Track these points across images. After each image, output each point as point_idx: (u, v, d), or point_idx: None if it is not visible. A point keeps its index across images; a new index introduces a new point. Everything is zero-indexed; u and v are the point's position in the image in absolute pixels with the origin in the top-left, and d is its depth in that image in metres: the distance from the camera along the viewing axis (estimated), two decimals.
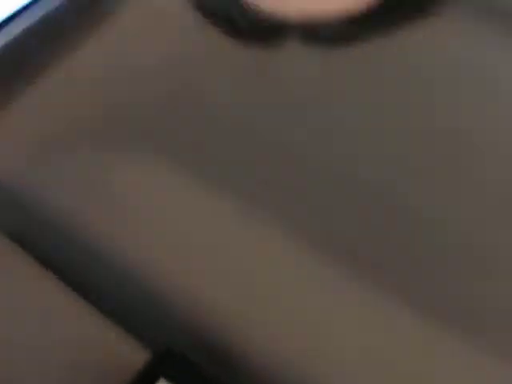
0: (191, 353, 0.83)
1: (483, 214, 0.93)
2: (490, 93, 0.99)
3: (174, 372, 0.75)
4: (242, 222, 0.92)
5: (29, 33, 0.93)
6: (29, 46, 0.94)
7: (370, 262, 0.91)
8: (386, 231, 0.94)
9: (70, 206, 0.93)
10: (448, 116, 1.00)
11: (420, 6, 0.41)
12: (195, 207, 0.94)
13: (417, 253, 0.93)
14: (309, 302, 0.87)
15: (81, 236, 0.91)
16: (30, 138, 0.96)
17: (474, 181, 0.94)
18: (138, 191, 0.94)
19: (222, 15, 0.39)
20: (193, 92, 0.99)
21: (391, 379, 0.81)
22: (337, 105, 0.99)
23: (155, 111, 0.98)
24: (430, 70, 1.01)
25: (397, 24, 0.43)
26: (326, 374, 0.80)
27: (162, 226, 0.92)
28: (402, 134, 0.97)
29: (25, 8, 0.92)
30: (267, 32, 0.41)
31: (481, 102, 0.99)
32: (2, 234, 0.89)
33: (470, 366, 0.86)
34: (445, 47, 0.97)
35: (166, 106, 0.98)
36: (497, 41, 1.01)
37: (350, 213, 0.94)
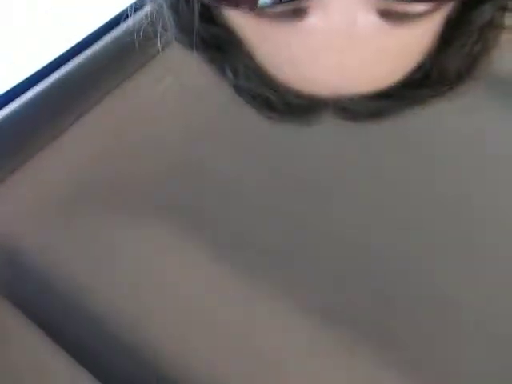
0: None
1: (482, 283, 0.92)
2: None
3: None
4: (238, 287, 0.91)
5: (38, 100, 0.92)
6: (38, 113, 0.94)
7: (370, 330, 0.89)
8: (385, 296, 0.93)
9: (69, 267, 0.91)
10: (453, 185, 0.99)
11: (444, 82, 0.40)
12: (193, 272, 0.92)
13: (415, 319, 0.91)
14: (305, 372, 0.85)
15: (77, 298, 0.89)
16: (31, 203, 0.94)
17: (473, 247, 0.94)
18: (132, 252, 0.93)
19: (257, 93, 0.39)
20: (205, 163, 0.98)
21: None
22: (354, 178, 0.98)
23: (161, 181, 0.97)
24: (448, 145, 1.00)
25: (423, 98, 0.42)
26: None
27: (160, 292, 0.90)
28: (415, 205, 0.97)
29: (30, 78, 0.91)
30: (300, 109, 0.40)
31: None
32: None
33: None
34: (463, 122, 0.97)
35: (176, 176, 0.98)
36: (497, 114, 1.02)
37: (350, 277, 0.93)
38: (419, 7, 0.34)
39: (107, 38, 0.94)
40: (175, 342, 0.85)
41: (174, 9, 0.39)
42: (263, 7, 0.34)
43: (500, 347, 0.86)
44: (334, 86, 0.37)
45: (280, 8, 0.34)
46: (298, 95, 0.38)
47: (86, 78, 0.96)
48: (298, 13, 0.34)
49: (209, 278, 0.91)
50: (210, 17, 0.38)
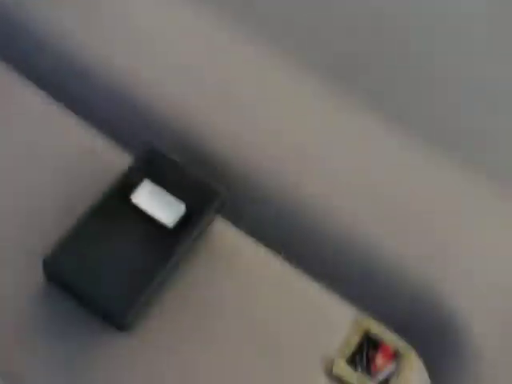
0: (173, 154, 0.85)
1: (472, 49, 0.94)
2: None
3: (157, 172, 0.78)
4: (229, 37, 0.93)
5: None
6: None
7: (364, 86, 0.92)
8: (360, 33, 0.95)
9: (60, 24, 0.93)
10: None
11: None
12: (181, 19, 0.94)
13: (414, 82, 0.94)
14: (298, 122, 0.89)
15: (66, 47, 0.92)
16: None
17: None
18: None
19: None
20: None
21: (378, 200, 0.84)
22: None
23: None
24: None
25: None
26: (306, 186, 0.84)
27: (144, 36, 0.92)
28: None
29: None
30: None
31: None
32: None
33: (466, 190, 0.89)
34: None
35: None
36: None
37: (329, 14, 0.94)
38: None
39: None
40: (164, 86, 0.88)
41: None
42: None
43: None
44: None
45: None
46: None
47: None
48: None
49: (192, 28, 0.93)
50: None
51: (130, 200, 0.77)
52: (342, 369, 0.76)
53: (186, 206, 0.78)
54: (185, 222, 0.77)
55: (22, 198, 0.80)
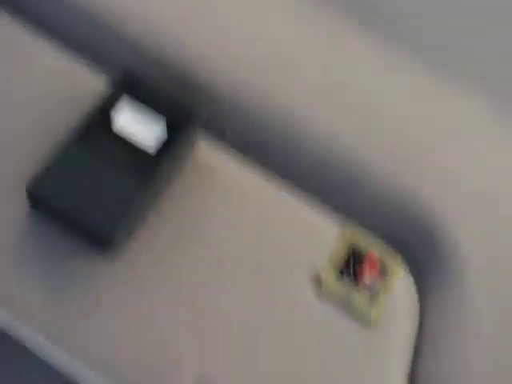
0: (150, 74, 0.84)
1: None
2: None
3: (136, 92, 0.77)
4: None
5: None
6: None
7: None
8: None
9: None
10: None
11: None
12: None
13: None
14: (279, 35, 0.88)
15: None
16: None
17: None
18: None
19: None
20: None
21: (355, 109, 0.83)
22: None
23: None
24: None
25: None
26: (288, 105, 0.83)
27: None
28: None
29: None
30: None
31: None
32: None
33: (431, 94, 0.89)
34: None
35: None
36: None
37: None
38: None
39: None
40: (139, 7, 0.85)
41: None
42: None
43: None
44: None
45: None
46: None
47: None
48: None
49: None
50: None
51: (110, 123, 0.76)
52: (330, 282, 0.77)
53: (168, 127, 0.77)
54: (167, 144, 0.77)
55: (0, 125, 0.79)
